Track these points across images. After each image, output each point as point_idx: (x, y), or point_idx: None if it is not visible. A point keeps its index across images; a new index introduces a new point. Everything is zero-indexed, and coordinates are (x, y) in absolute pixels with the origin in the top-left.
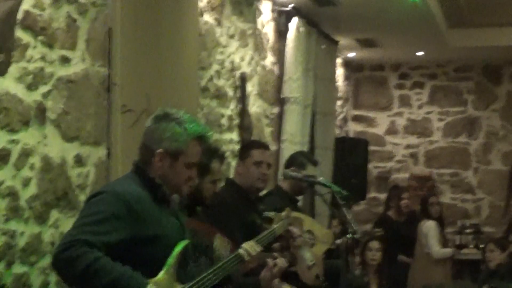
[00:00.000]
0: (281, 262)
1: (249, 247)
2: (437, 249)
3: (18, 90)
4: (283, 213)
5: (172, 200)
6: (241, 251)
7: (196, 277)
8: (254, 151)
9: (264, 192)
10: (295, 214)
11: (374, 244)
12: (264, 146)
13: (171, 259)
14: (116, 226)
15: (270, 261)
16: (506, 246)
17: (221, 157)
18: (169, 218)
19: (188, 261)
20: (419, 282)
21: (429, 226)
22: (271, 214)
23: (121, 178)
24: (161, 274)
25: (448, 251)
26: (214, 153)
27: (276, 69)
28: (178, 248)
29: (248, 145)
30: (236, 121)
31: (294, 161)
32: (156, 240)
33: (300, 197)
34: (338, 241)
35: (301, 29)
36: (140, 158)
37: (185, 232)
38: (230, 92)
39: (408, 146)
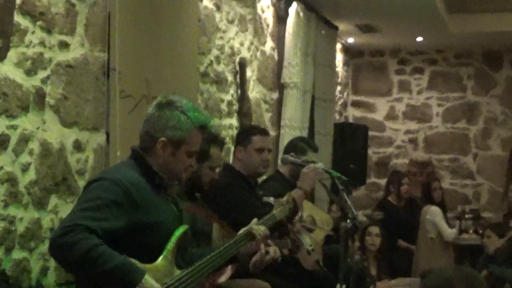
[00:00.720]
0: (273, 251)
1: (258, 228)
2: (449, 231)
3: (17, 75)
4: (284, 199)
5: (170, 187)
6: (253, 231)
7: (194, 262)
8: (255, 137)
9: (263, 177)
10: None
11: (374, 230)
12: (264, 132)
13: (170, 245)
14: (115, 212)
15: (262, 248)
16: (504, 232)
17: (221, 144)
18: (167, 205)
19: (187, 246)
20: (422, 267)
21: (435, 212)
22: (270, 199)
23: (120, 164)
24: (159, 260)
25: (455, 231)
26: (213, 139)
27: (275, 54)
28: (177, 234)
29: (248, 131)
30: (236, 107)
31: (294, 146)
32: (154, 226)
33: None
34: (347, 223)
35: (301, 14)
36: (141, 145)
37: (182, 219)
38: (230, 78)
39: (407, 132)
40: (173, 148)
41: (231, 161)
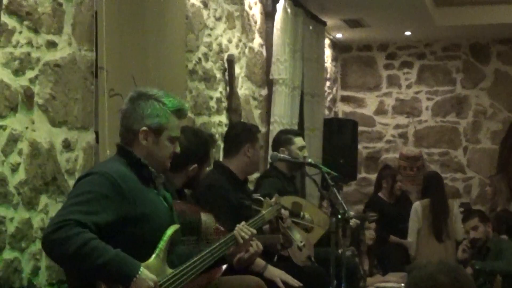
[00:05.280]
0: (255, 246)
1: (243, 230)
2: (462, 231)
3: (4, 75)
4: (272, 200)
5: (157, 180)
6: (235, 233)
7: (186, 261)
8: (259, 134)
9: (256, 174)
10: (294, 199)
11: (371, 224)
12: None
13: (162, 243)
14: (106, 206)
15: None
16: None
17: (215, 143)
18: (156, 198)
19: (178, 244)
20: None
21: (458, 208)
22: (260, 196)
23: (108, 160)
24: (152, 258)
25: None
26: (212, 141)
27: (263, 50)
28: (168, 232)
29: (254, 130)
30: (225, 104)
31: (280, 140)
32: (144, 219)
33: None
34: (338, 218)
35: (288, 10)
36: (122, 141)
37: (172, 213)
38: (218, 75)
39: (397, 126)
40: (154, 136)
41: (221, 158)
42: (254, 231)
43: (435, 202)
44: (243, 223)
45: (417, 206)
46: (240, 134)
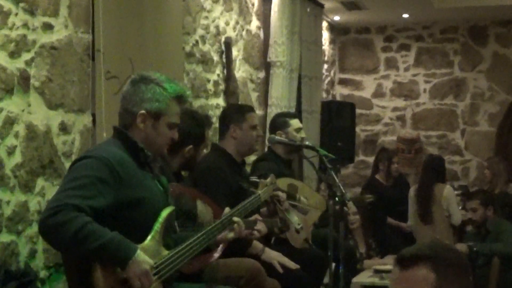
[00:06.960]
0: (262, 227)
1: (238, 221)
2: (459, 215)
3: (0, 58)
4: (268, 179)
5: (153, 163)
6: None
7: (182, 243)
8: (249, 114)
9: (252, 157)
10: (290, 181)
11: (351, 208)
12: (253, 109)
13: (157, 225)
14: (102, 190)
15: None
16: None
17: (210, 124)
18: (152, 181)
19: (174, 227)
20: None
21: (452, 192)
22: (257, 178)
23: (104, 143)
24: (147, 240)
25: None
26: (206, 121)
27: (261, 33)
28: (163, 214)
29: (241, 110)
30: (222, 86)
31: (276, 124)
32: (140, 203)
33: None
34: (336, 201)
35: None
36: (120, 123)
37: (168, 197)
38: (216, 57)
39: (395, 109)
40: (153, 120)
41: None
42: (241, 222)
43: (420, 185)
44: (227, 209)
45: (412, 189)
46: (226, 115)
